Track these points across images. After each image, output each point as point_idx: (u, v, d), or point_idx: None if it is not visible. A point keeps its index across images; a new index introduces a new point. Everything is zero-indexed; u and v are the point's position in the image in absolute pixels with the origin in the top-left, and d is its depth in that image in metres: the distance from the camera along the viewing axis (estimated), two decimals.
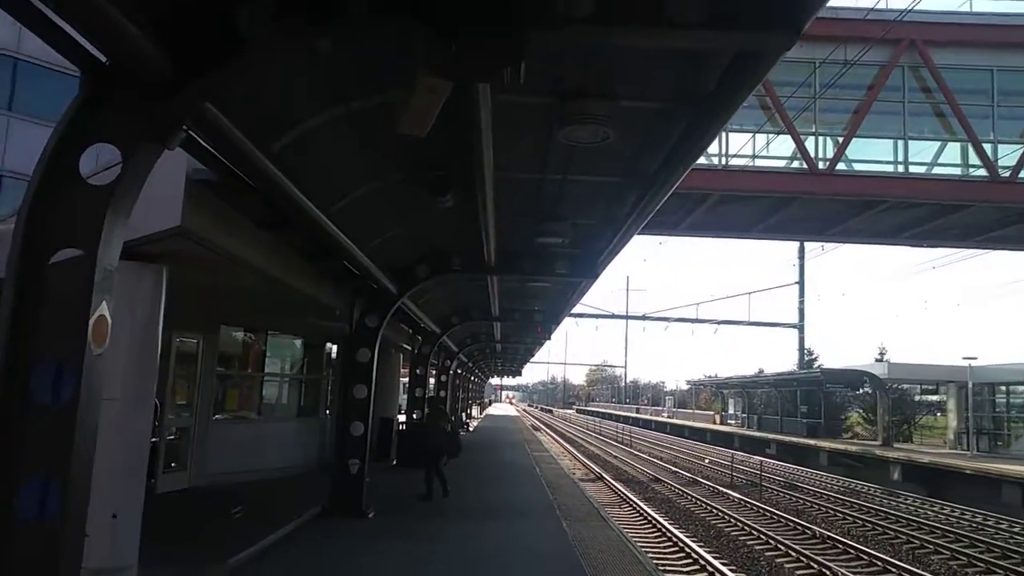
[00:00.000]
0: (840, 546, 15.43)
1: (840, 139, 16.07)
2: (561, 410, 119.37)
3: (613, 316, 55.97)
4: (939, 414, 50.20)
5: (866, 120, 16.02)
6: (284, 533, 9.27)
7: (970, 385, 30.45)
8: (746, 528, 17.08)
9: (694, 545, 14.29)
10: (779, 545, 15.20)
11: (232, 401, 14.03)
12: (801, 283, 54.34)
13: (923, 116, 16.35)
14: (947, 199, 15.48)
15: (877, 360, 55.55)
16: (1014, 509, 21.46)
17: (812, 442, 37.80)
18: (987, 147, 15.87)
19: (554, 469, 20.88)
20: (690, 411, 74.21)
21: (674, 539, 14.96)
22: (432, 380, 26.19)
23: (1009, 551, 15.43)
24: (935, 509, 21.83)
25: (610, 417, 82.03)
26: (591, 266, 11.09)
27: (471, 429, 38.47)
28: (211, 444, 12.59)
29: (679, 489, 24.14)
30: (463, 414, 39.86)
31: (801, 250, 53.77)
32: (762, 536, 16.07)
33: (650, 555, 11.42)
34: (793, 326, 55.77)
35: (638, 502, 20.10)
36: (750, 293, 53.91)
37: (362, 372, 10.50)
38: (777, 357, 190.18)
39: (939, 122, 16.37)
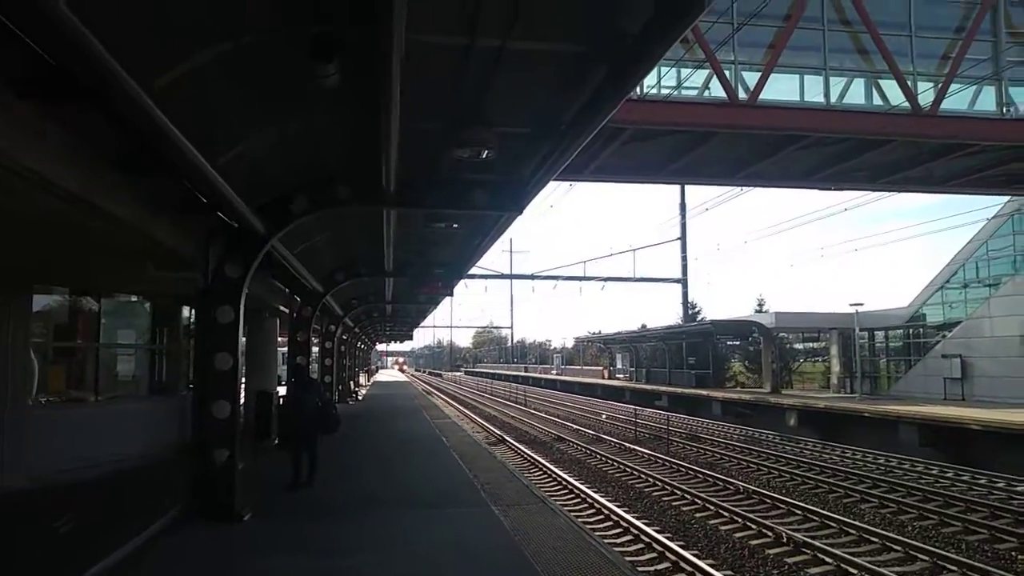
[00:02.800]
0: (768, 500, 14.61)
1: (759, 74, 14.72)
2: (450, 373, 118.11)
3: (502, 276, 54.37)
4: (815, 361, 52.39)
5: (785, 54, 14.77)
6: (127, 552, 6.78)
7: (857, 330, 31.09)
8: (667, 487, 16.07)
9: (623, 512, 12.93)
10: (706, 504, 14.20)
11: (57, 380, 11.02)
12: (683, 239, 54.82)
13: (844, 52, 15.31)
14: (870, 133, 14.65)
15: (757, 311, 57.52)
16: (912, 448, 21.74)
17: (704, 392, 38.03)
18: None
19: (461, 437, 18.83)
20: (578, 367, 74.56)
21: (596, 505, 13.68)
22: (316, 348, 23.47)
23: (931, 494, 15.10)
24: (841, 454, 21.83)
25: (499, 377, 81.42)
26: (516, 196, 8.91)
27: (360, 398, 35.88)
28: (30, 435, 9.68)
29: (585, 448, 23.10)
30: (351, 382, 37.02)
31: (682, 207, 54.47)
32: (686, 496, 15.04)
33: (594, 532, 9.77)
34: (676, 281, 56.29)
35: (548, 465, 18.74)
36: (635, 250, 53.78)
37: (225, 337, 7.97)
38: (659, 313, 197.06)
39: (860, 58, 15.40)
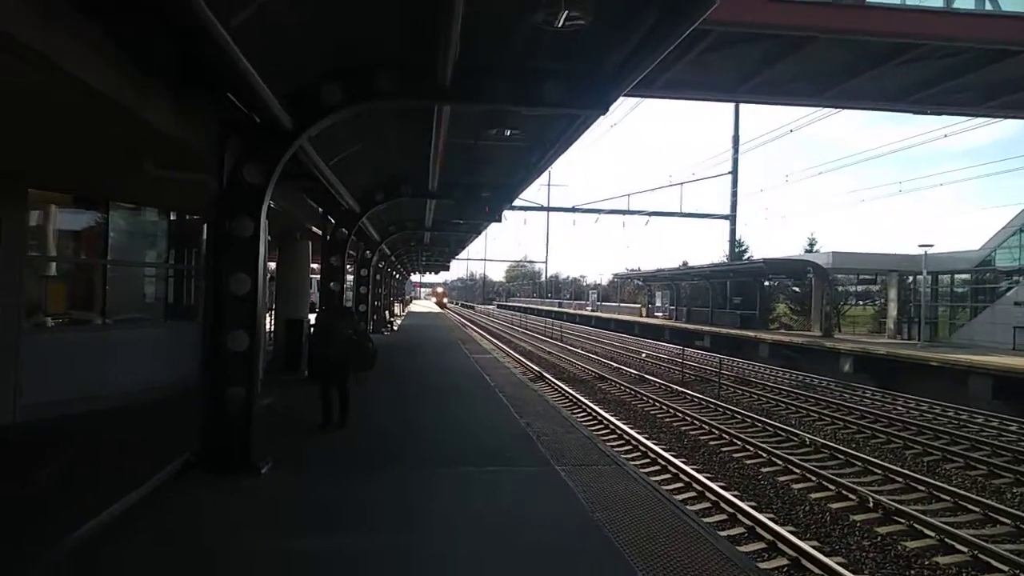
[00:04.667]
0: (839, 455, 13.32)
1: None
2: (482, 306, 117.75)
3: (541, 208, 52.45)
4: (866, 304, 50.25)
5: None
6: (113, 515, 5.53)
7: (924, 273, 29.06)
8: (724, 436, 14.91)
9: (689, 469, 11.71)
10: (772, 458, 12.95)
11: (58, 300, 9.80)
12: (735, 173, 52.25)
13: None
14: (997, 42, 12.46)
15: (807, 251, 55.18)
16: (984, 402, 20.17)
17: (751, 333, 36.46)
18: None
19: (505, 375, 17.56)
20: (615, 304, 73.17)
21: (651, 455, 12.51)
22: (350, 275, 22.20)
23: (1022, 455, 13.59)
24: (905, 404, 20.33)
25: (532, 312, 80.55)
26: (599, 90, 7.12)
27: (395, 328, 34.98)
28: (27, 361, 8.56)
29: (629, 388, 22.00)
30: (386, 312, 36.00)
31: (735, 139, 51.85)
32: (748, 446, 13.82)
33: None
34: (724, 217, 53.99)
35: (594, 407, 17.63)
36: (682, 183, 51.09)
37: (243, 254, 6.60)
38: (700, 252, 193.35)
39: None
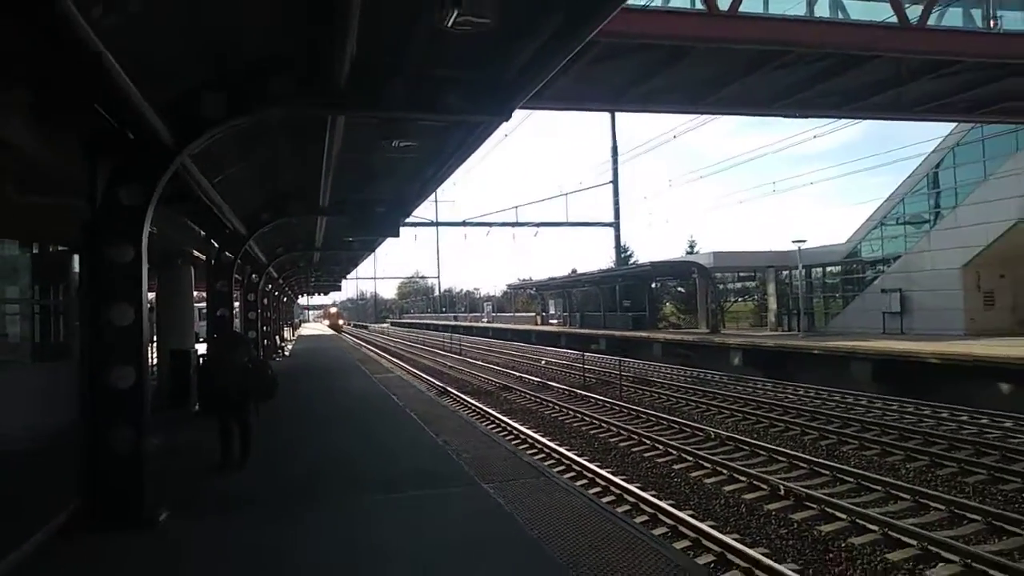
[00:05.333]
0: (745, 447, 13.71)
1: None
2: (376, 325, 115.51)
3: (431, 223, 52.04)
4: (746, 300, 52.87)
5: None
6: None
7: (800, 268, 30.81)
8: (633, 436, 15.05)
9: (605, 472, 11.68)
10: (682, 455, 13.16)
11: None
12: (615, 183, 54.16)
13: None
14: (858, 48, 13.39)
15: (688, 253, 57.53)
16: (865, 384, 21.49)
17: (644, 334, 37.51)
18: None
19: (411, 394, 16.99)
20: (510, 315, 73.65)
21: (565, 461, 12.41)
22: (237, 300, 20.98)
23: (907, 432, 14.49)
24: (795, 392, 21.36)
25: (428, 328, 79.77)
26: (501, 97, 6.95)
27: (287, 354, 33.49)
28: None
29: (534, 396, 22.01)
30: (276, 337, 34.39)
31: (614, 150, 53.84)
32: (658, 445, 14.01)
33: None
34: (609, 224, 55.61)
35: (502, 417, 17.49)
36: (567, 194, 52.50)
37: (123, 283, 5.90)
38: (588, 259, 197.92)
39: None
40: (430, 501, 7.15)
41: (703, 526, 8.87)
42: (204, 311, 19.39)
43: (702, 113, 20.06)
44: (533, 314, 66.34)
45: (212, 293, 14.13)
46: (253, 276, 20.75)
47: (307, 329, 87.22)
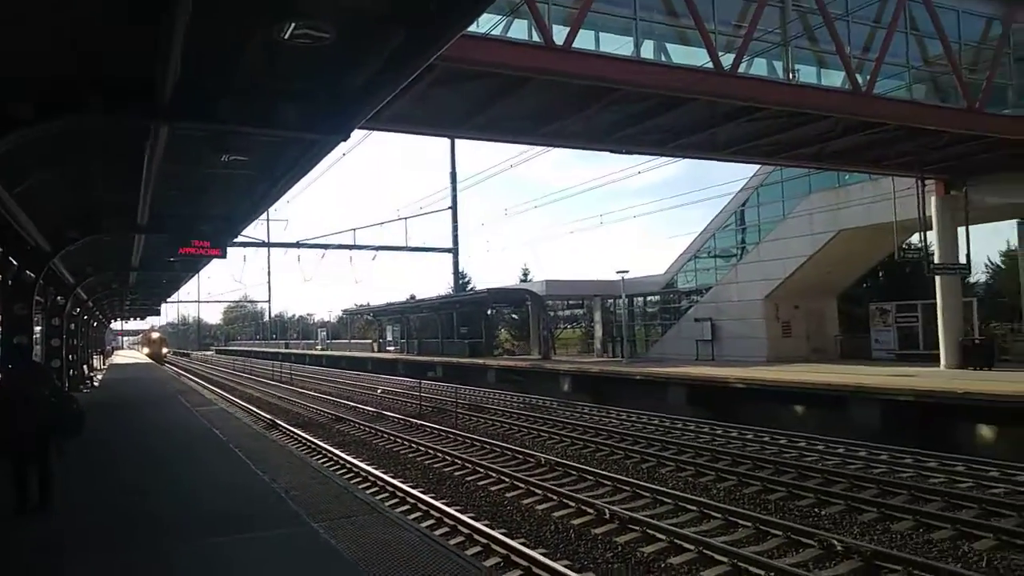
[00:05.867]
0: (573, 472, 14.21)
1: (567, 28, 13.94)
2: (199, 353, 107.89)
3: (262, 244, 49.64)
4: (575, 327, 55.25)
5: (595, 6, 14.17)
6: None
7: (623, 297, 32.67)
8: (467, 465, 15.19)
9: (440, 504, 11.63)
10: (515, 482, 13.43)
11: None
12: (454, 209, 54.44)
13: (649, 10, 15.07)
14: (678, 90, 14.57)
15: (522, 280, 59.17)
16: (681, 408, 23.06)
17: (479, 361, 37.99)
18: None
19: (236, 427, 15.92)
20: (346, 341, 71.82)
21: (400, 494, 12.25)
22: (38, 325, 18.82)
23: (719, 453, 15.68)
24: (617, 416, 22.48)
25: (257, 355, 75.88)
26: (340, 114, 6.78)
27: (96, 384, 30.38)
28: None
29: (368, 427, 21.60)
30: (84, 366, 31.11)
31: (453, 177, 54.32)
32: (491, 473, 14.22)
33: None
34: (448, 250, 55.89)
35: (334, 450, 16.96)
36: (406, 218, 52.00)
37: None
38: (428, 283, 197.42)
39: (667, 18, 15.30)
40: (255, 545, 6.70)
41: (535, 554, 9.06)
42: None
43: (538, 144, 20.88)
44: (370, 341, 65.13)
45: (9, 317, 12.53)
46: (59, 298, 18.74)
47: (121, 357, 79.73)
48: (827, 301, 31.75)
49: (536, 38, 13.06)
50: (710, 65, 14.47)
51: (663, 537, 9.91)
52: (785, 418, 19.99)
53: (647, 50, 15.09)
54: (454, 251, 55.39)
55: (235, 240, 22.68)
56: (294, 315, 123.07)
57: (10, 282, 12.76)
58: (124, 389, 28.58)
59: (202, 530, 7.18)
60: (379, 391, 33.08)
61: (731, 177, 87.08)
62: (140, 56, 5.36)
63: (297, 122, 6.70)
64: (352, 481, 13.27)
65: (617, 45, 14.82)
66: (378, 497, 11.96)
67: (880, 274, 34.95)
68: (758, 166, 29.33)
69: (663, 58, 15.37)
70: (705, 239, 34.27)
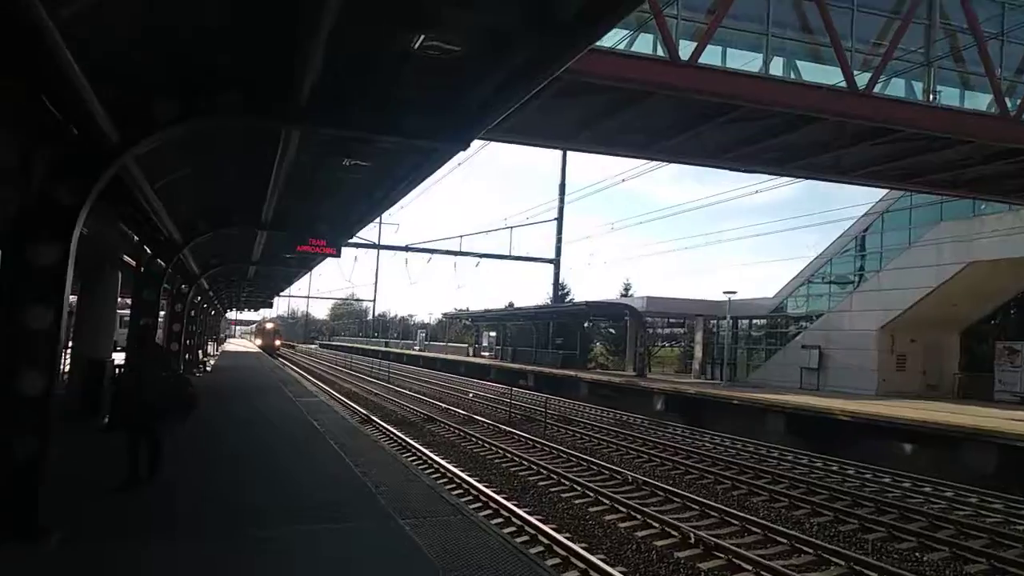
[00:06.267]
0: (660, 492, 13.94)
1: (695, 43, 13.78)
2: (303, 345, 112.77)
3: (372, 245, 51.48)
4: (672, 345, 54.14)
5: (725, 22, 13.96)
6: None
7: (728, 318, 31.80)
8: (553, 476, 15.17)
9: (522, 512, 11.72)
10: (599, 497, 13.32)
11: None
12: (560, 220, 54.71)
13: (782, 26, 14.69)
14: (808, 108, 14.10)
15: (623, 295, 58.65)
16: (779, 436, 22.21)
17: (572, 373, 37.82)
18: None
19: (333, 420, 16.62)
20: (442, 344, 73.23)
21: (483, 498, 12.39)
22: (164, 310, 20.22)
23: (816, 487, 15.01)
24: (711, 440, 21.92)
25: (358, 351, 78.52)
26: (461, 125, 7.02)
27: (208, 369, 32.40)
28: None
29: (458, 429, 21.91)
30: (199, 352, 33.22)
31: (562, 187, 54.56)
32: (576, 486, 14.17)
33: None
34: (550, 261, 56.19)
35: (424, 450, 17.31)
36: (512, 227, 52.68)
37: (44, 285, 5.66)
38: (526, 292, 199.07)
39: (801, 34, 14.87)
40: (344, 536, 6.97)
41: (614, 572, 8.99)
42: (125, 318, 18.64)
43: (653, 159, 20.66)
44: (466, 345, 66.16)
45: (138, 301, 13.58)
46: (183, 286, 20.14)
47: (232, 345, 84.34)
48: (948, 336, 29.79)
49: (661, 52, 12.95)
50: (843, 84, 13.92)
51: (748, 567, 9.61)
52: (891, 456, 18.89)
53: (775, 67, 14.71)
54: (556, 262, 55.63)
55: (349, 241, 23.62)
56: (395, 315, 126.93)
57: (142, 269, 13.83)
58: (232, 375, 30.26)
59: (294, 516, 7.48)
60: (471, 395, 33.60)
61: (852, 201, 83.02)
62: (282, 60, 5.70)
63: (421, 131, 6.99)
64: (439, 481, 13.55)
65: (743, 61, 14.49)
66: (463, 500, 12.19)
67: (1012, 311, 32.42)
68: (885, 191, 27.97)
69: (791, 75, 14.91)
70: (821, 264, 32.88)
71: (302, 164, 9.21)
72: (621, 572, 9.13)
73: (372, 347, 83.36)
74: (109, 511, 7.38)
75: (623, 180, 62.46)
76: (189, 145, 8.43)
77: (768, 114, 14.48)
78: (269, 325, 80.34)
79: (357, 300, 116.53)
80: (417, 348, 75.48)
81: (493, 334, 59.48)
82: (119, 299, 17.70)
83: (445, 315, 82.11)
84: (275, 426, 15.14)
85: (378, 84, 6.77)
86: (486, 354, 58.58)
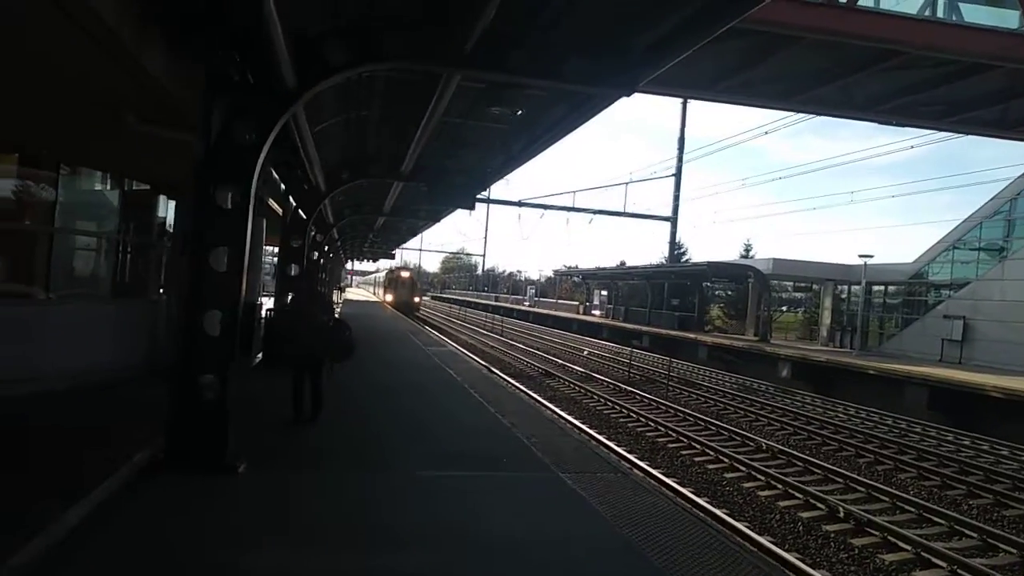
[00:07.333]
0: (797, 462, 13.37)
1: None
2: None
3: (487, 200, 51.77)
4: (796, 310, 51.86)
5: None
6: (70, 525, 4.65)
7: (864, 283, 29.91)
8: (683, 439, 14.94)
9: (649, 468, 11.50)
10: (734, 463, 12.90)
11: None
12: (678, 176, 52.81)
13: None
14: (981, 55, 12.61)
15: (743, 256, 56.48)
16: (919, 411, 20.83)
17: (690, 335, 36.89)
18: None
19: (466, 370, 16.89)
20: (552, 301, 73.26)
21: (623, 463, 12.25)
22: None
23: (968, 466, 13.95)
24: (845, 411, 20.88)
25: (469, 305, 79.90)
26: (629, 69, 6.61)
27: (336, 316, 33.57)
28: None
29: (578, 386, 21.90)
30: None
31: (681, 141, 52.56)
32: (708, 451, 13.87)
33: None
34: (666, 219, 54.62)
35: (547, 404, 17.34)
36: (627, 183, 51.35)
37: (227, 227, 5.86)
38: (637, 251, 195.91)
39: None
40: (511, 482, 7.04)
41: (762, 540, 8.66)
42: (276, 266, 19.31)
43: (794, 110, 19.30)
44: (576, 303, 65.87)
45: (285, 248, 14.07)
46: (317, 236, 20.83)
47: (352, 294, 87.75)
48: None
49: None
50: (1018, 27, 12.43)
51: (907, 548, 9.02)
52: None
53: (938, 11, 13.30)
54: (673, 220, 53.93)
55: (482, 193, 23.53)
56: (504, 271, 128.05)
57: (288, 219, 14.28)
58: (361, 323, 31.21)
59: (466, 463, 7.56)
60: (585, 352, 33.45)
61: (984, 164, 75.76)
62: (451, 13, 5.47)
63: (585, 76, 6.63)
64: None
65: (897, 3, 13.18)
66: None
67: None
68: None
69: (953, 19, 13.46)
70: (968, 228, 30.22)
71: (451, 113, 9.08)
72: (770, 541, 8.76)
73: (482, 301, 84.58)
74: (281, 446, 7.74)
75: (766, 132, 58.64)
76: (340, 95, 8.45)
77: (931, 63, 13.12)
78: (404, 273, 60.94)
79: (467, 254, 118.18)
80: (527, 304, 75.88)
81: (604, 293, 58.81)
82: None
83: (556, 272, 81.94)
84: (414, 372, 15.50)
85: (543, 26, 6.46)
86: (597, 312, 58.09)
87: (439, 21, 6.04)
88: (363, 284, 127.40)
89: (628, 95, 7.27)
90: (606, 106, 8.45)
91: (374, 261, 76.57)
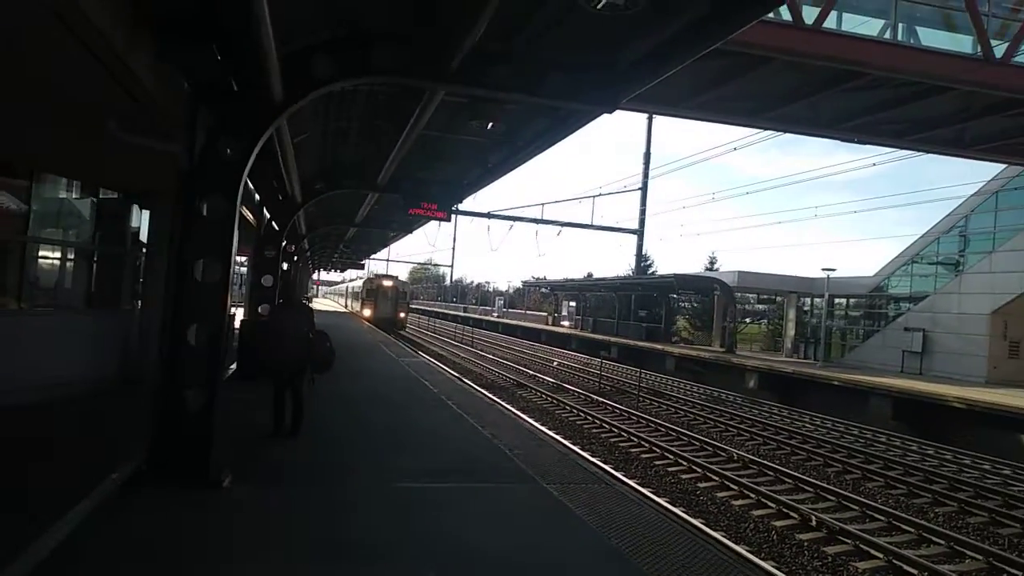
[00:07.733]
0: (768, 472, 13.60)
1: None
2: None
3: (459, 212, 51.67)
4: (759, 322, 52.69)
5: None
6: (53, 544, 4.51)
7: (826, 296, 30.56)
8: (655, 449, 15.06)
9: (624, 479, 11.60)
10: (707, 473, 13.08)
11: None
12: (644, 191, 53.45)
13: None
14: (939, 78, 13.10)
15: (707, 269, 57.26)
16: (883, 421, 21.33)
17: (658, 346, 37.27)
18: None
19: (443, 381, 16.83)
20: (521, 312, 73.45)
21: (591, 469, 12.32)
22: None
23: (933, 475, 14.31)
24: (812, 421, 21.29)
25: (437, 316, 79.67)
26: (611, 87, 6.74)
27: None
28: None
29: (550, 397, 22.00)
30: None
31: (647, 157, 53.29)
32: (681, 461, 14.02)
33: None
34: (633, 232, 55.20)
35: (521, 415, 17.33)
36: (594, 196, 51.82)
37: (213, 238, 5.80)
38: (605, 263, 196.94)
39: None
40: (495, 493, 7.02)
41: (739, 549, 8.78)
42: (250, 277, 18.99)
43: (762, 128, 19.71)
44: (544, 313, 66.13)
45: (259, 259, 13.89)
46: (290, 246, 20.61)
47: (318, 304, 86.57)
48: None
49: (786, 16, 12.26)
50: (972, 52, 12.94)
51: (879, 556, 9.23)
52: (1009, 447, 17.86)
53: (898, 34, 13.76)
54: (639, 232, 54.63)
55: (458, 205, 23.44)
56: (472, 282, 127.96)
57: (262, 231, 14.14)
58: (333, 335, 30.84)
59: (447, 475, 7.50)
60: (555, 363, 33.58)
61: (942, 180, 78.22)
62: (449, 17, 5.48)
63: (567, 91, 6.71)
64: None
65: (853, 24, 13.61)
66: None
67: None
68: (998, 169, 26.14)
69: (911, 42, 13.94)
70: (926, 243, 31.10)
71: (431, 126, 9.09)
72: (747, 550, 8.89)
73: (451, 312, 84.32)
74: (263, 459, 7.62)
75: (734, 148, 59.64)
76: (326, 105, 8.43)
77: (893, 83, 13.59)
78: (387, 282, 51.39)
79: (435, 265, 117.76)
80: (496, 315, 75.93)
81: (573, 304, 59.16)
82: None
83: (525, 283, 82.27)
84: (391, 383, 15.40)
85: (524, 45, 6.53)
86: (565, 323, 58.39)
87: (429, 36, 6.07)
88: (330, 294, 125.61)
89: (610, 112, 7.37)
90: (588, 122, 8.56)
91: (342, 271, 75.77)
